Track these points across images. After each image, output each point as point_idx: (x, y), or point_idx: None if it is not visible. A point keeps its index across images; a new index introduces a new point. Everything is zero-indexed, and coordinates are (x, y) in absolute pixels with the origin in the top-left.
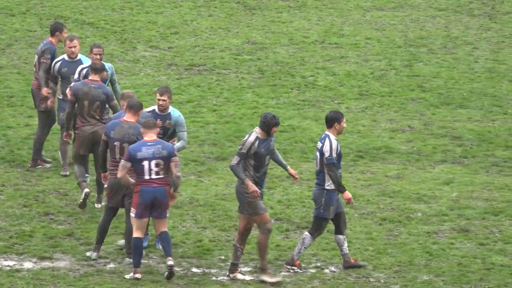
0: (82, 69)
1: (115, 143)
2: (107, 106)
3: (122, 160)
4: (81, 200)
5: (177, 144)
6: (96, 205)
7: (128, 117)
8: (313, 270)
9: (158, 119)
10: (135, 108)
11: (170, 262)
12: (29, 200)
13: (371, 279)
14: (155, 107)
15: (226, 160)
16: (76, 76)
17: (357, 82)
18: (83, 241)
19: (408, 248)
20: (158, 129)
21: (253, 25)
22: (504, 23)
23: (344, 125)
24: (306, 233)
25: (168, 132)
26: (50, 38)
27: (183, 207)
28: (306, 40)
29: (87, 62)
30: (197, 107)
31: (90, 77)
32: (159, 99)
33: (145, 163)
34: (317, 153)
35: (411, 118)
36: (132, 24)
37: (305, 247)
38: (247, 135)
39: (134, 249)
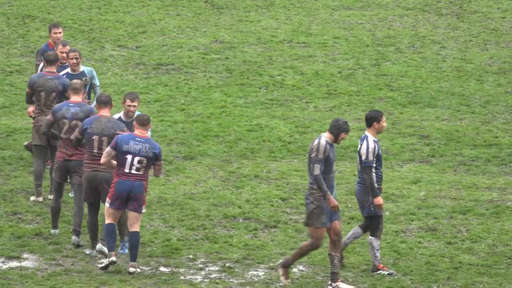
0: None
1: (94, 137)
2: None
3: (108, 147)
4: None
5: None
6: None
7: (104, 112)
8: (281, 270)
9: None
10: (107, 102)
11: (132, 269)
12: None
13: (340, 278)
14: (121, 114)
15: (194, 159)
16: None
17: (325, 81)
18: (51, 241)
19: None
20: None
21: (221, 24)
22: (471, 22)
23: (384, 124)
24: (370, 237)
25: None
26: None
27: (151, 206)
28: (274, 39)
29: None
30: (165, 106)
31: (46, 69)
32: (130, 105)
33: (129, 156)
34: (358, 154)
35: None
36: (100, 23)
37: (377, 250)
38: (316, 140)
39: (108, 234)
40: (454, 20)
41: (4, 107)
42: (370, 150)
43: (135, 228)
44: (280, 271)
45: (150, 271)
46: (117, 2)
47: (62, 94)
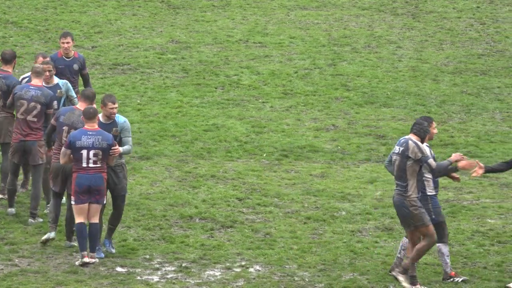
0: (23, 78)
1: (64, 127)
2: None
3: (63, 147)
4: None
5: (125, 147)
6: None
7: (81, 106)
8: (238, 269)
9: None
10: (90, 98)
11: (90, 260)
12: None
13: (296, 278)
14: (100, 117)
15: (150, 159)
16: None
17: (281, 81)
18: (7, 241)
19: (333, 246)
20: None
21: (177, 24)
22: (427, 22)
23: (435, 130)
24: (437, 245)
25: (116, 140)
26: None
27: (108, 206)
28: (230, 39)
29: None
30: (122, 106)
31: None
32: (112, 108)
33: (84, 152)
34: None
35: (335, 117)
36: (56, 23)
37: (447, 256)
38: (408, 142)
39: (79, 234)
40: (410, 20)
41: None
42: (421, 146)
43: (95, 219)
44: (402, 278)
45: (107, 271)
46: (73, 2)
47: (6, 94)
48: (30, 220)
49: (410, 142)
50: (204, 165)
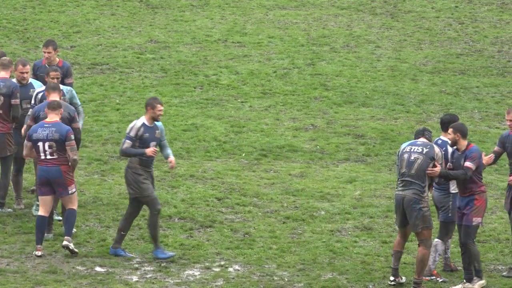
0: (38, 93)
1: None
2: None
3: (25, 140)
4: None
5: (170, 151)
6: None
7: (54, 97)
8: (217, 269)
9: (147, 133)
10: (57, 88)
11: (65, 242)
12: None
13: (275, 278)
14: (144, 120)
15: None
16: (32, 101)
17: (260, 81)
18: None
19: (312, 246)
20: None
21: (155, 24)
22: (406, 21)
23: None
24: (436, 239)
25: (157, 143)
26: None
27: (86, 206)
28: (209, 39)
29: (39, 86)
30: (100, 106)
31: None
32: (161, 110)
33: (40, 144)
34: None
35: (314, 116)
36: (34, 23)
37: (439, 254)
38: (438, 145)
39: (37, 227)
40: (389, 19)
41: None
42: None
43: (71, 206)
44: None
45: (86, 271)
46: (52, 1)
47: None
48: None
49: (441, 143)
50: (183, 164)
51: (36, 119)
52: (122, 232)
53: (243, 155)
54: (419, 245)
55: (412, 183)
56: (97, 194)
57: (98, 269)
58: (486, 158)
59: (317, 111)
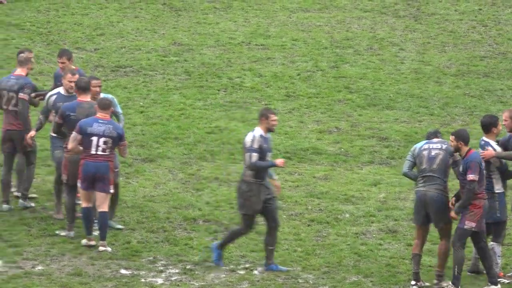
0: (50, 96)
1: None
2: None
3: (73, 132)
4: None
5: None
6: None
7: (84, 98)
8: (242, 272)
9: (265, 143)
10: (87, 88)
11: (102, 248)
12: None
13: (300, 280)
14: (260, 131)
15: (154, 162)
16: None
17: (283, 83)
18: (11, 243)
19: (337, 249)
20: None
21: (179, 26)
22: (429, 24)
23: (501, 127)
24: (491, 242)
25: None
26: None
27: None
28: (232, 41)
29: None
30: (124, 109)
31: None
32: (275, 120)
33: (94, 138)
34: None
35: (338, 119)
36: (58, 25)
37: (499, 256)
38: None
39: (85, 218)
40: (412, 22)
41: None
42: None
43: (103, 208)
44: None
45: (111, 274)
46: (75, 4)
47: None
48: (20, 201)
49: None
50: (207, 167)
51: (66, 118)
52: (269, 247)
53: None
54: (440, 239)
55: (434, 178)
56: (122, 197)
57: (123, 271)
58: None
59: (341, 114)
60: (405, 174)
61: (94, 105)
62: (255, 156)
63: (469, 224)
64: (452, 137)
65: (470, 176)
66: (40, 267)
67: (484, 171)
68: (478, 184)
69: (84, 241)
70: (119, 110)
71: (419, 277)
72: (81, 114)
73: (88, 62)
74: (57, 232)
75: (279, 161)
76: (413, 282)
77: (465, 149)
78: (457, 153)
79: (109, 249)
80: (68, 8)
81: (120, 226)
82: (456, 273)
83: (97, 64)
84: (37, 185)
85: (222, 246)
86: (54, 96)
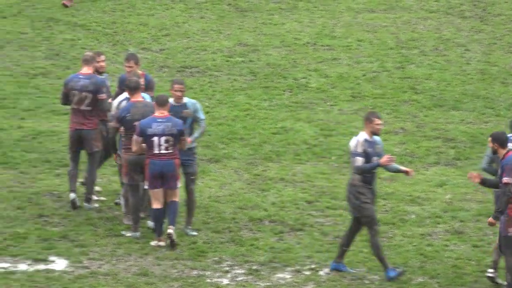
0: (121, 101)
1: (136, 124)
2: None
3: (134, 135)
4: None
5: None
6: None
7: (137, 97)
8: (307, 272)
9: (370, 147)
10: (138, 88)
11: (170, 230)
12: (23, 202)
13: (366, 281)
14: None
15: (219, 162)
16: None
17: (349, 84)
18: (77, 243)
19: (403, 250)
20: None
21: (244, 27)
22: (495, 25)
23: None
24: None
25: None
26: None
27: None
28: (298, 42)
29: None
30: None
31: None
32: (379, 124)
33: (155, 138)
34: None
35: (404, 120)
36: (124, 26)
37: None
38: None
39: (155, 220)
40: (478, 22)
41: (29, 110)
42: None
43: (175, 198)
44: None
45: (177, 274)
46: (141, 5)
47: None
48: (85, 204)
49: None
50: (273, 168)
51: (121, 120)
52: (344, 247)
53: (333, 158)
54: None
55: None
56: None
57: (189, 272)
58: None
59: (406, 115)
60: (484, 169)
61: (149, 104)
62: (359, 160)
63: (511, 231)
64: (489, 139)
65: (505, 179)
66: (106, 267)
67: None
68: None
69: (153, 242)
70: (202, 116)
71: (497, 267)
72: (136, 114)
73: (154, 62)
74: (122, 232)
75: (383, 160)
76: (490, 270)
77: (502, 151)
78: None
79: (174, 234)
80: (133, 9)
81: (194, 233)
82: (508, 280)
83: (162, 64)
84: (103, 185)
85: (383, 263)
86: (125, 102)
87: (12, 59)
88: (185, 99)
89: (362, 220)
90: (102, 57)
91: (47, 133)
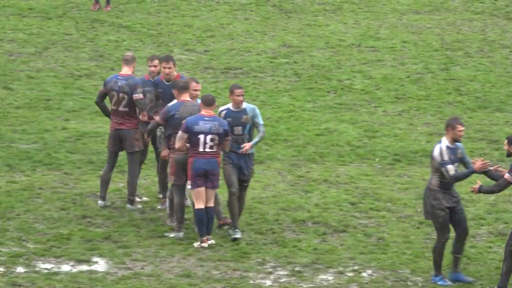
0: (221, 111)
1: (183, 122)
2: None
3: (179, 131)
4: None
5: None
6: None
7: (186, 97)
8: (350, 274)
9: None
10: (187, 88)
11: (210, 242)
12: (66, 203)
13: (409, 283)
14: (229, 105)
15: (263, 164)
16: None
17: (393, 86)
18: (120, 244)
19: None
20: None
21: (289, 28)
22: None
23: None
24: None
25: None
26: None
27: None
28: (342, 43)
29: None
30: None
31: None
32: (462, 131)
33: (201, 136)
34: None
35: None
36: (168, 27)
37: None
38: None
39: (199, 221)
40: None
41: (73, 111)
42: None
43: (211, 204)
44: None
45: (220, 275)
46: (185, 6)
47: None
48: (128, 206)
49: None
50: (316, 169)
51: (170, 118)
52: (456, 255)
53: (377, 160)
54: None
55: None
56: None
57: (232, 273)
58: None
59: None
60: None
61: (197, 104)
62: (450, 168)
63: None
64: (505, 142)
65: (506, 175)
66: (149, 268)
67: None
68: None
69: (196, 244)
70: (261, 121)
71: None
72: (184, 113)
73: (198, 64)
74: (166, 234)
75: (477, 165)
76: None
77: None
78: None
79: (213, 241)
80: (178, 10)
81: (239, 236)
82: None
83: (207, 66)
84: (147, 186)
85: (438, 269)
86: (224, 112)
87: (57, 60)
88: (244, 104)
89: (434, 225)
90: (155, 62)
91: (91, 134)
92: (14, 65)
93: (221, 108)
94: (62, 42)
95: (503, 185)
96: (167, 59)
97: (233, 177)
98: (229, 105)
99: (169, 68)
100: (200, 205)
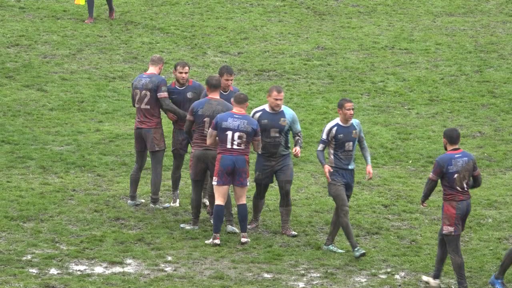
0: (255, 112)
1: (205, 119)
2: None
3: (210, 128)
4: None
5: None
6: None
7: (214, 95)
8: (383, 276)
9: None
10: (218, 86)
11: (244, 239)
12: (99, 205)
13: (442, 285)
14: (265, 107)
15: (296, 166)
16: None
17: (427, 88)
18: (153, 246)
19: (479, 254)
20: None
21: (322, 30)
22: None
23: None
24: None
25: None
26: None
27: (251, 212)
28: (376, 45)
29: (287, 112)
30: None
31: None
32: (276, 99)
33: (229, 133)
34: None
35: (482, 123)
36: (202, 29)
37: None
38: None
39: (217, 217)
40: None
41: (107, 113)
42: None
43: (242, 201)
44: None
45: (252, 277)
46: (219, 8)
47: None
48: (151, 205)
49: None
50: None
51: (195, 114)
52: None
53: (410, 162)
54: None
55: None
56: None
57: (264, 275)
58: None
59: (484, 118)
60: None
61: (222, 103)
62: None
63: (447, 229)
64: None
65: (430, 175)
66: (182, 270)
67: None
68: (444, 183)
69: (209, 241)
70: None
71: None
72: (207, 111)
73: (232, 65)
74: (181, 225)
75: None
76: None
77: (449, 147)
78: None
79: (249, 240)
80: (212, 12)
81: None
82: (459, 279)
83: (240, 68)
84: (180, 187)
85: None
86: (259, 113)
87: (91, 62)
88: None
89: None
90: (186, 69)
91: (124, 136)
92: (48, 67)
93: (256, 109)
94: (96, 44)
95: (427, 183)
96: (183, 64)
97: (343, 195)
98: (265, 106)
99: (186, 73)
100: (220, 201)
